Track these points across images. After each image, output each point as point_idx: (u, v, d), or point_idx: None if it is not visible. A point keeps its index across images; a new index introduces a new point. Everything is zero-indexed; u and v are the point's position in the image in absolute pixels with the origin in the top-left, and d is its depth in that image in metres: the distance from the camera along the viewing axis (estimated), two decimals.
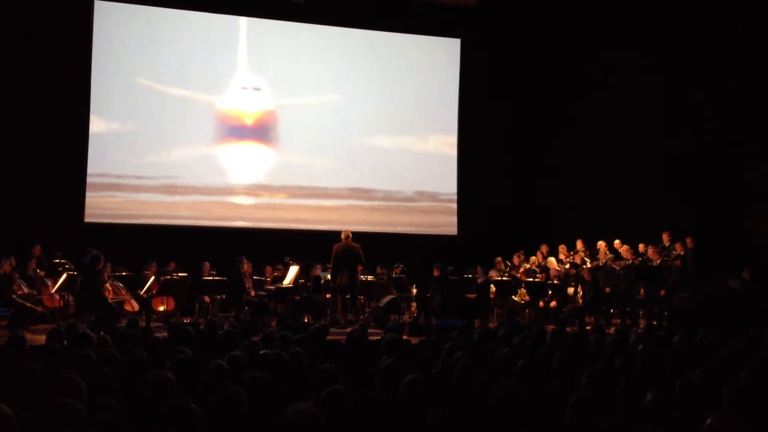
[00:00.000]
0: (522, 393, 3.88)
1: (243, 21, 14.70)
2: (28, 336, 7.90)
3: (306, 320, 11.53)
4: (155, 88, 14.08)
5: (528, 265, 13.31)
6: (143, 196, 14.05)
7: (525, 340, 6.72)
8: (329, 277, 12.17)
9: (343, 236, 11.72)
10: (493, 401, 3.81)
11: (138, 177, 14.01)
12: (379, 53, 15.41)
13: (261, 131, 14.70)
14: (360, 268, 11.85)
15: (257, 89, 14.68)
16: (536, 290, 12.32)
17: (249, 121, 14.64)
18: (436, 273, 11.87)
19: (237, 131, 14.57)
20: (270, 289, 12.12)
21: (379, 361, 5.33)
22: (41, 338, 7.38)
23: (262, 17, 14.75)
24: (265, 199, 14.74)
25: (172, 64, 14.21)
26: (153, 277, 11.65)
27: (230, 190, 14.57)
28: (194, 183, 14.29)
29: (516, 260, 13.53)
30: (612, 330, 11.01)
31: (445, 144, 15.75)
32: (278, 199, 14.79)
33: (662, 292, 11.62)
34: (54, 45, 13.22)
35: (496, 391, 3.83)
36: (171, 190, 14.17)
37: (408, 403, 4.07)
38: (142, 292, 11.49)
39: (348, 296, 11.62)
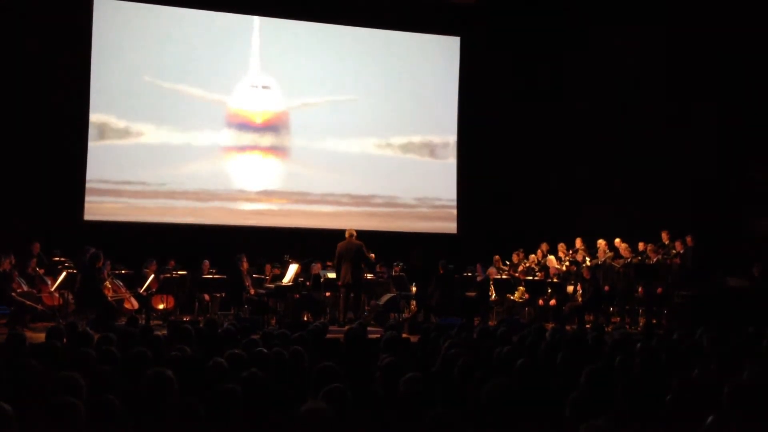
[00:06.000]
0: (516, 388, 3.88)
1: (235, 18, 14.57)
2: (28, 334, 7.88)
3: (305, 318, 11.54)
4: (161, 87, 13.96)
5: (528, 263, 13.32)
6: (143, 202, 13.90)
7: (524, 338, 6.72)
8: (329, 275, 12.17)
9: (347, 234, 11.72)
10: (485, 397, 3.81)
11: (140, 183, 13.88)
12: (378, 51, 15.28)
13: (259, 134, 14.59)
14: (371, 265, 11.87)
15: (266, 87, 14.57)
16: (536, 288, 12.33)
17: (254, 121, 14.51)
18: (441, 271, 11.85)
19: (241, 129, 14.48)
20: (269, 287, 12.12)
21: (378, 359, 5.33)
22: (41, 336, 7.37)
23: (255, 14, 14.60)
24: (264, 205, 14.59)
25: (180, 63, 14.05)
26: (153, 275, 11.65)
27: (232, 196, 14.40)
28: (196, 188, 14.11)
29: (515, 258, 13.54)
30: (610, 328, 11.04)
31: (444, 142, 15.68)
32: (279, 205, 14.64)
33: (659, 290, 11.64)
34: (55, 42, 13.16)
35: (488, 387, 3.82)
36: (171, 195, 14.00)
37: (407, 401, 4.07)
38: (141, 290, 11.50)
39: (352, 294, 11.59)
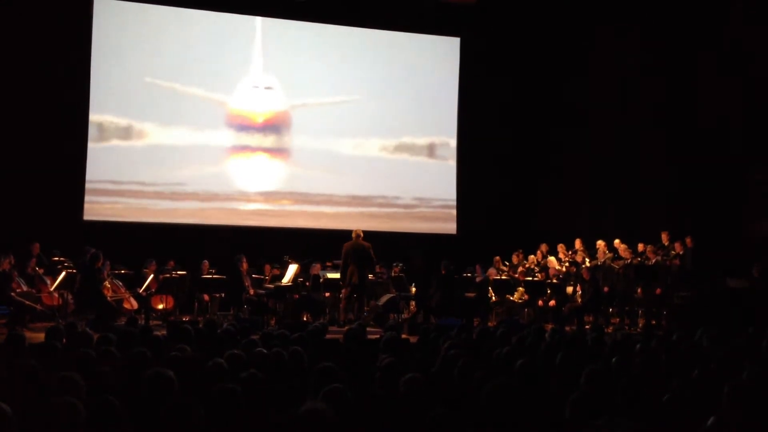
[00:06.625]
0: (515, 389, 3.87)
1: (236, 18, 14.53)
2: (27, 334, 7.88)
3: (305, 319, 11.54)
4: (161, 87, 13.92)
5: (527, 264, 13.32)
6: (143, 202, 13.86)
7: (524, 339, 6.72)
8: (329, 275, 12.16)
9: (353, 235, 11.69)
10: (484, 397, 3.81)
11: (140, 183, 13.82)
12: (378, 52, 15.26)
13: (260, 134, 14.57)
14: (374, 267, 11.86)
15: (269, 88, 14.52)
16: (535, 289, 12.32)
17: (255, 121, 14.47)
18: (443, 272, 11.83)
19: (242, 129, 14.45)
20: (269, 288, 12.12)
21: (378, 360, 5.33)
22: (40, 336, 7.36)
23: (257, 15, 14.59)
24: (264, 205, 14.56)
25: (181, 63, 14.00)
26: (152, 276, 11.66)
27: (232, 197, 14.36)
28: (196, 189, 14.07)
29: (515, 259, 13.53)
30: (610, 329, 11.05)
31: (444, 143, 15.67)
32: (279, 206, 14.61)
33: (658, 291, 11.65)
34: (55, 42, 13.13)
35: (487, 387, 3.82)
36: (171, 195, 13.96)
37: (407, 401, 4.07)
38: (141, 291, 11.50)
39: (355, 296, 11.56)
